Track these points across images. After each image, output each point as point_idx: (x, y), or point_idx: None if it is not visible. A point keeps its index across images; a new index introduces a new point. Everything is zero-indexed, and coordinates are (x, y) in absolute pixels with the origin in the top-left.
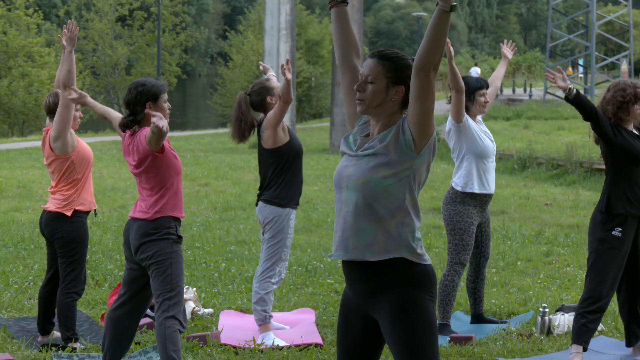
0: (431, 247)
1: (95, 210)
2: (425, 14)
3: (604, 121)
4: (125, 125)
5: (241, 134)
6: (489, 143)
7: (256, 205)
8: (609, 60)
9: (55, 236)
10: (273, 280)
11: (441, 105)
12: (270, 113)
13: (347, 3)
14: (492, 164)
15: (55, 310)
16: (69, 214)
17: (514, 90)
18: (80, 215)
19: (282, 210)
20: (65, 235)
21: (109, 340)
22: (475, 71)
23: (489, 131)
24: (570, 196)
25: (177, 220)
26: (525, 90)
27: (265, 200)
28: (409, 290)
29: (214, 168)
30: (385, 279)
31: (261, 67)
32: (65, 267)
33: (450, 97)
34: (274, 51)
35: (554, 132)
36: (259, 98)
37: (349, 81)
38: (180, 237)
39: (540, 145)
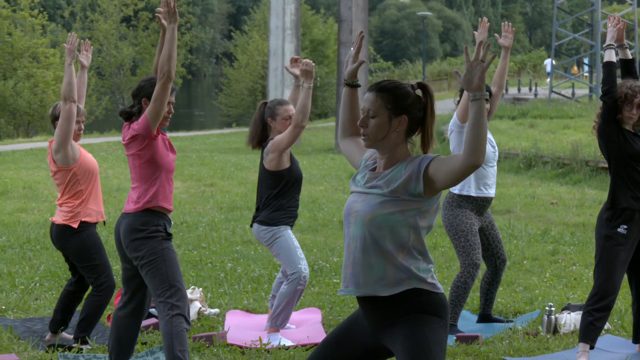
0: (437, 247)
1: (104, 221)
2: (429, 13)
3: (612, 98)
4: (122, 114)
5: (249, 141)
6: (490, 148)
7: (251, 226)
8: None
9: (66, 250)
10: (301, 282)
11: (446, 105)
12: (280, 136)
13: (360, 86)
14: (491, 169)
15: (74, 311)
16: (75, 225)
17: (519, 89)
18: (87, 226)
19: (276, 228)
20: (75, 248)
21: (113, 340)
22: (549, 63)
23: (492, 137)
24: (576, 195)
25: (166, 217)
26: (530, 89)
27: (259, 221)
28: (422, 317)
29: (220, 168)
30: (398, 308)
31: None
32: (90, 275)
33: (460, 99)
34: (279, 51)
35: (560, 131)
36: (265, 115)
37: (347, 145)
38: (169, 235)
39: (546, 144)
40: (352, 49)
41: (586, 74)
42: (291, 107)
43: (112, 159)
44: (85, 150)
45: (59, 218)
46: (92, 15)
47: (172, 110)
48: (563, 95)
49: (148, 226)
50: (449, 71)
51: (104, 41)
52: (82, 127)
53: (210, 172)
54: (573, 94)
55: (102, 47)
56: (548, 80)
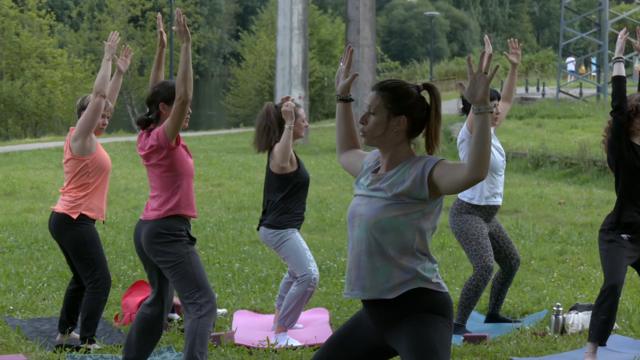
0: (444, 247)
1: (103, 221)
2: (437, 13)
3: (624, 115)
4: (139, 123)
5: (265, 144)
6: (499, 157)
7: (257, 229)
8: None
9: (63, 241)
10: (311, 283)
11: (453, 105)
12: (276, 151)
13: (353, 100)
14: (500, 178)
15: (80, 309)
16: (74, 216)
17: (526, 89)
18: (86, 220)
19: (283, 231)
20: (73, 239)
21: (129, 337)
22: (571, 61)
23: (500, 146)
24: (584, 195)
25: (188, 222)
26: (538, 89)
27: (266, 225)
28: (426, 316)
29: (227, 168)
30: (403, 308)
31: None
32: (85, 270)
33: (463, 107)
34: (287, 51)
35: (567, 131)
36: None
37: (346, 157)
38: (193, 239)
39: (554, 143)
40: (341, 64)
41: (594, 74)
42: (303, 110)
43: (119, 159)
44: (102, 148)
45: (59, 206)
46: (100, 16)
47: (191, 111)
48: (571, 95)
49: (171, 230)
50: (456, 71)
51: None
52: (107, 122)
53: (218, 172)
54: (581, 93)
55: None
56: (570, 79)
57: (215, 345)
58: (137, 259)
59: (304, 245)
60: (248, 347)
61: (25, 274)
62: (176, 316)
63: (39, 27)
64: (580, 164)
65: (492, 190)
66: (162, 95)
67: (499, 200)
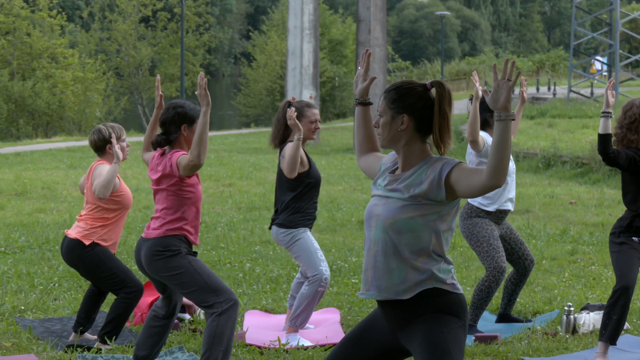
0: (456, 247)
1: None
2: (448, 12)
3: (619, 158)
4: (157, 144)
5: (274, 137)
6: (510, 163)
7: (269, 228)
8: (633, 58)
9: (79, 269)
10: (322, 283)
11: (464, 105)
12: (286, 156)
13: (372, 104)
14: (511, 183)
15: (98, 308)
16: (87, 242)
17: (537, 89)
18: (98, 245)
19: (295, 230)
20: (89, 264)
21: (140, 336)
22: (596, 58)
23: None
24: (595, 194)
25: (188, 244)
26: (549, 88)
27: (277, 224)
28: (440, 317)
29: (238, 168)
30: (417, 308)
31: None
32: (113, 286)
33: (472, 97)
34: (298, 51)
35: (578, 131)
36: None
37: (365, 160)
38: (194, 252)
39: (565, 143)
40: (359, 68)
41: (605, 74)
42: (317, 111)
43: (130, 159)
44: (125, 185)
45: (73, 231)
46: (111, 16)
47: None
48: (582, 95)
49: (168, 247)
50: (467, 71)
51: (122, 41)
52: (128, 144)
53: (229, 173)
54: (592, 93)
55: (121, 47)
56: (596, 77)
57: None
58: None
59: (316, 244)
60: (259, 347)
61: (37, 274)
62: (187, 316)
63: (50, 27)
64: (591, 164)
65: (506, 196)
66: (185, 117)
67: (509, 206)
